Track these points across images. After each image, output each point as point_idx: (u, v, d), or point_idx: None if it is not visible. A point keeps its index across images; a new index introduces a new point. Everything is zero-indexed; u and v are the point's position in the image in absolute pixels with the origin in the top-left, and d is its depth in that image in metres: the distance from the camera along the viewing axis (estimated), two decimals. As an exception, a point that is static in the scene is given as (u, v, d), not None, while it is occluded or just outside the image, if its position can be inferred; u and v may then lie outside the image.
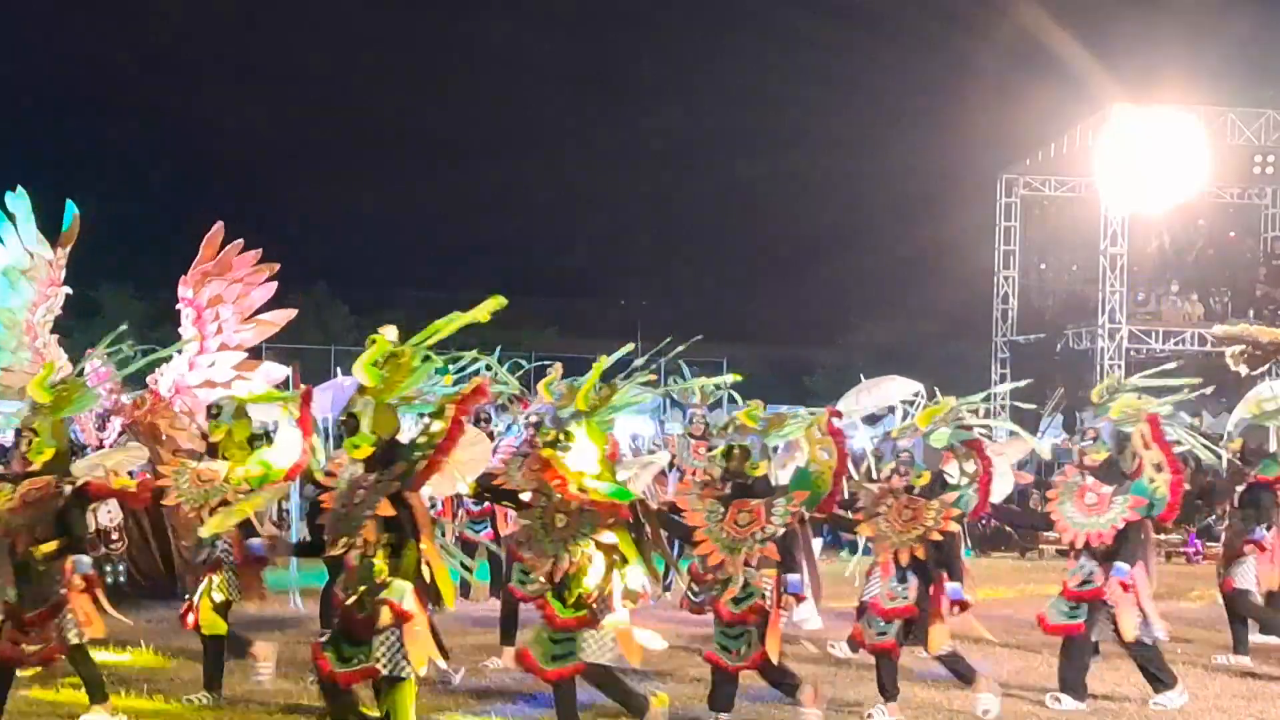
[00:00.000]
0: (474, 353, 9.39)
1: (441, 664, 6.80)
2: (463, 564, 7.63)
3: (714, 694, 8.35)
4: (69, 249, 12.95)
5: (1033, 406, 13.08)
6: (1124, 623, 8.94)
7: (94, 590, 7.99)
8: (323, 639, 6.78)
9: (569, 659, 7.45)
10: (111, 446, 12.02)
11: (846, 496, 9.04)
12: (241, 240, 13.25)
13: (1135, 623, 8.97)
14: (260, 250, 13.30)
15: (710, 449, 9.48)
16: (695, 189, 51.35)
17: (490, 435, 11.98)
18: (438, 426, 6.56)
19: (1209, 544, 18.08)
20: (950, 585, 8.56)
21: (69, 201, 13.03)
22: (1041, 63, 30.67)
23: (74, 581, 7.83)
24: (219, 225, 13.12)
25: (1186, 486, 11.48)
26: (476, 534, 12.22)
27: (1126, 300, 26.80)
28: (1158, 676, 9.16)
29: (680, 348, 8.89)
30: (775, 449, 9.45)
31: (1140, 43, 33.42)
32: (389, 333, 6.71)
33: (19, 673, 8.15)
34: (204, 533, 7.97)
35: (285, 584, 12.31)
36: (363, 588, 6.53)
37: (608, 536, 7.43)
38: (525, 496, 7.86)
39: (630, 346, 8.43)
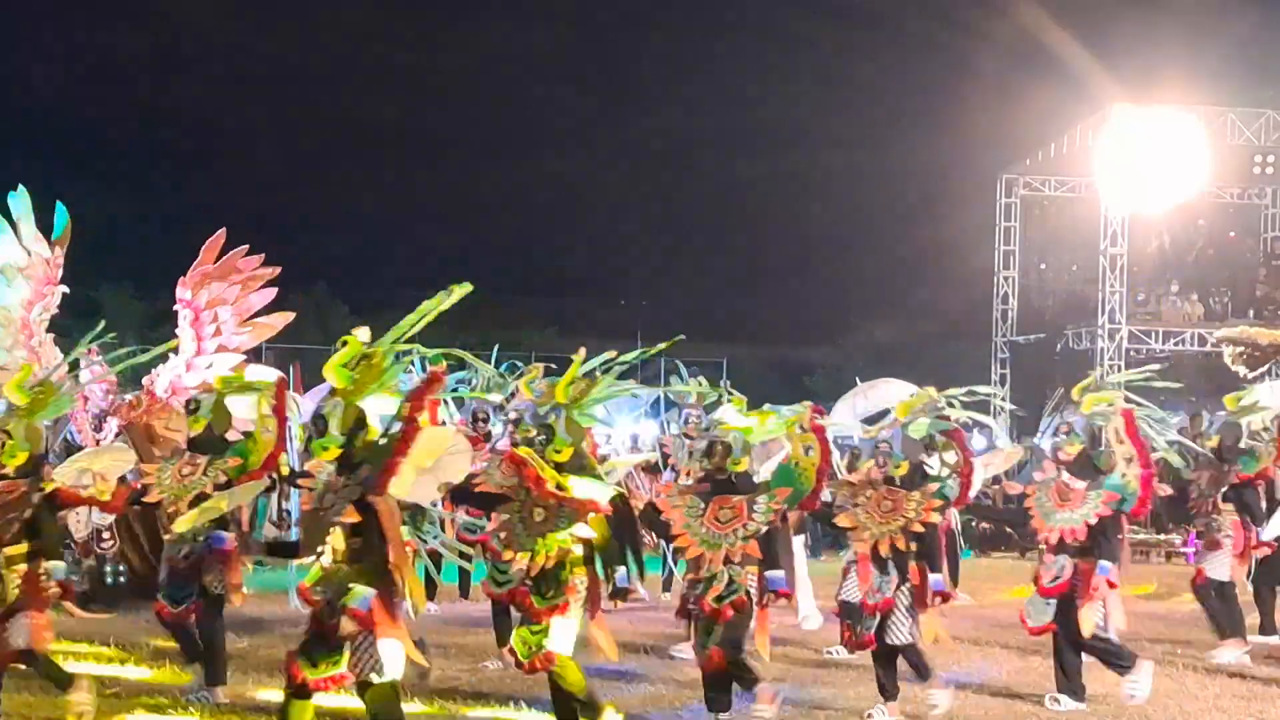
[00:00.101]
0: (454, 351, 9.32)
1: (423, 663, 6.73)
2: (461, 554, 7.58)
3: (707, 695, 8.28)
4: (65, 248, 12.94)
5: (1013, 407, 13.10)
6: (1085, 618, 8.91)
7: (68, 597, 7.94)
8: (296, 647, 6.66)
9: (542, 650, 7.44)
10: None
11: (830, 497, 9.00)
12: (246, 245, 13.25)
13: (1097, 619, 8.96)
14: (263, 255, 13.30)
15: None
16: (695, 189, 51.33)
17: (489, 435, 11.96)
18: (396, 428, 6.49)
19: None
20: (932, 576, 8.55)
21: (59, 205, 13.02)
22: (1041, 63, 30.69)
23: (50, 589, 7.75)
24: (221, 231, 13.12)
25: (1170, 491, 11.52)
26: (474, 534, 12.18)
27: (1126, 300, 26.80)
28: (1119, 664, 9.12)
29: (662, 346, 8.84)
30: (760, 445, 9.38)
31: (1140, 43, 33.41)
32: (362, 334, 6.64)
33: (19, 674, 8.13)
34: (177, 528, 7.90)
35: (284, 584, 12.30)
36: (330, 593, 6.45)
37: (585, 531, 7.42)
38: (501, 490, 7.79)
39: (613, 353, 8.33)
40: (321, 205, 47.27)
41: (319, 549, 6.51)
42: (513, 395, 12.75)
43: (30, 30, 50.43)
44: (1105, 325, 26.45)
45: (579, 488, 7.46)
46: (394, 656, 6.45)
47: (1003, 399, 28.01)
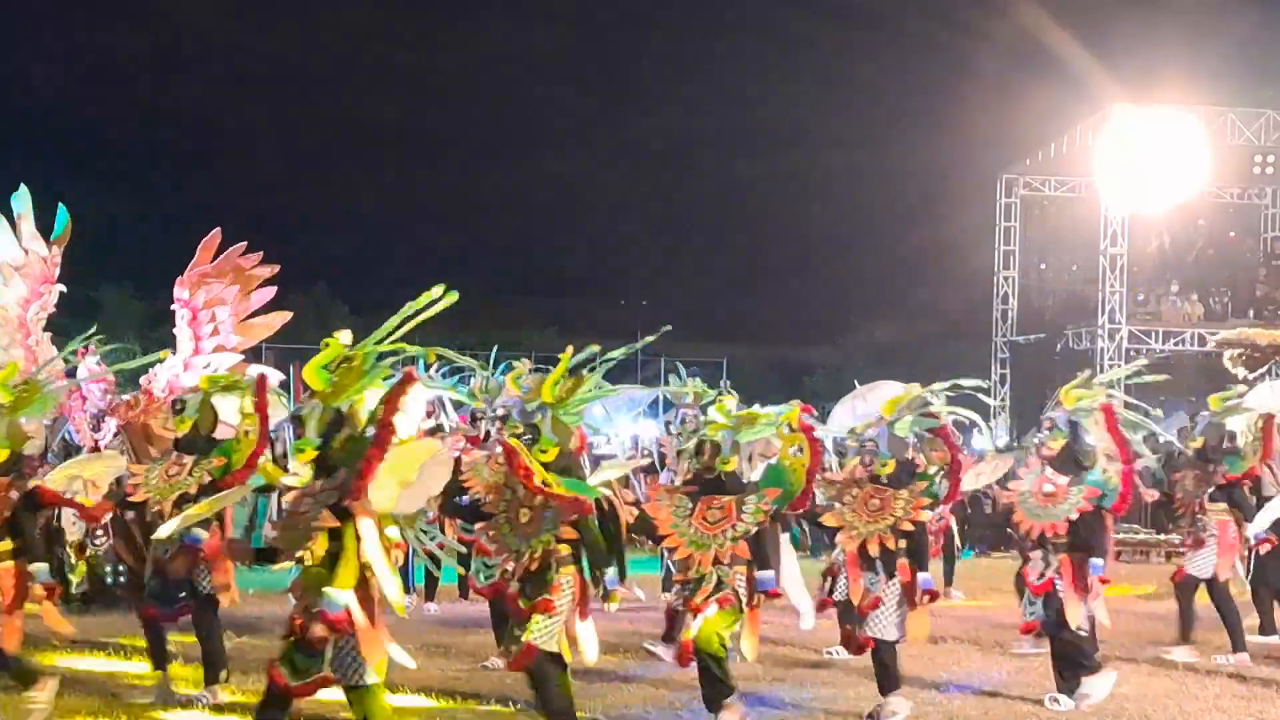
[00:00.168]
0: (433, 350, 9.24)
1: (410, 663, 6.67)
2: (459, 556, 7.55)
3: (704, 693, 8.23)
4: (64, 248, 12.93)
5: (993, 401, 13.07)
6: (1071, 610, 8.90)
7: (51, 599, 7.91)
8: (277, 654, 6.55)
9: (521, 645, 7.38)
10: (106, 447, 12.00)
11: (820, 499, 8.96)
12: (244, 244, 13.24)
13: (1083, 612, 8.95)
14: (261, 254, 13.29)
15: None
16: (695, 189, 51.33)
17: (487, 435, 11.94)
18: (370, 431, 6.41)
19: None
20: (921, 575, 8.52)
21: (60, 205, 13.01)
22: (1041, 63, 30.68)
23: (34, 590, 7.72)
24: (216, 230, 13.10)
25: (1155, 495, 11.48)
26: (471, 534, 12.17)
27: (1126, 300, 26.81)
28: (1085, 664, 9.05)
29: (649, 339, 8.81)
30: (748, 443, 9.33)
31: (1140, 43, 33.40)
32: (343, 336, 6.60)
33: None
34: (160, 534, 7.85)
35: (284, 584, 12.25)
36: (308, 598, 6.39)
37: (571, 532, 7.40)
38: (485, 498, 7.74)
39: (596, 347, 8.30)
40: (321, 205, 47.34)
41: (298, 553, 6.42)
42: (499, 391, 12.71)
43: (30, 30, 50.50)
44: (1105, 325, 26.46)
45: (564, 484, 7.44)
46: (376, 660, 6.39)
47: (1002, 399, 28.25)
